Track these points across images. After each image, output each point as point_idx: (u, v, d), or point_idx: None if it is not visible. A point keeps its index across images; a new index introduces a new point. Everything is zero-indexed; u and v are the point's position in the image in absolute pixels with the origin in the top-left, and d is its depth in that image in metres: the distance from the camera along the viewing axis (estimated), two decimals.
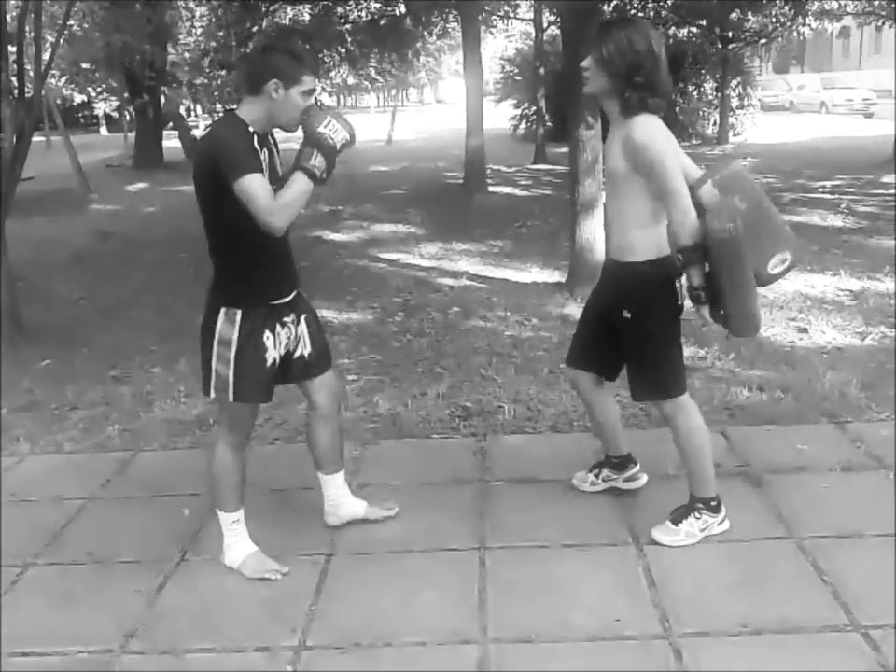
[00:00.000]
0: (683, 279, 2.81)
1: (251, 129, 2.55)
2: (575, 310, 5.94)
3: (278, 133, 2.76)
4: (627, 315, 2.83)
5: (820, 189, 11.34)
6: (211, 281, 2.73)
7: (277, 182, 2.59)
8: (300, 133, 2.60)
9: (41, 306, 6.59)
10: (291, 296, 2.80)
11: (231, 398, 2.70)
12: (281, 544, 3.05)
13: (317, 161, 2.49)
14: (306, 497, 3.28)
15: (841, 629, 2.47)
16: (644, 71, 2.60)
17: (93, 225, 10.60)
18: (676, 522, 2.96)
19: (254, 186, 2.43)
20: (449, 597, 2.71)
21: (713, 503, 2.96)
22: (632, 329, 2.85)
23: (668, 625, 2.53)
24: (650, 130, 2.64)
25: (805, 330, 5.25)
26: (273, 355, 2.72)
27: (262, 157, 2.58)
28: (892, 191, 10.95)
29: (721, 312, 2.74)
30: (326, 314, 6.15)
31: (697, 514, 2.94)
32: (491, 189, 12.55)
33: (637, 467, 3.31)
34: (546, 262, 7.50)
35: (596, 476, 3.33)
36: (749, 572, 2.77)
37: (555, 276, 6.99)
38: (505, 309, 6.04)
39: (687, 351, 4.82)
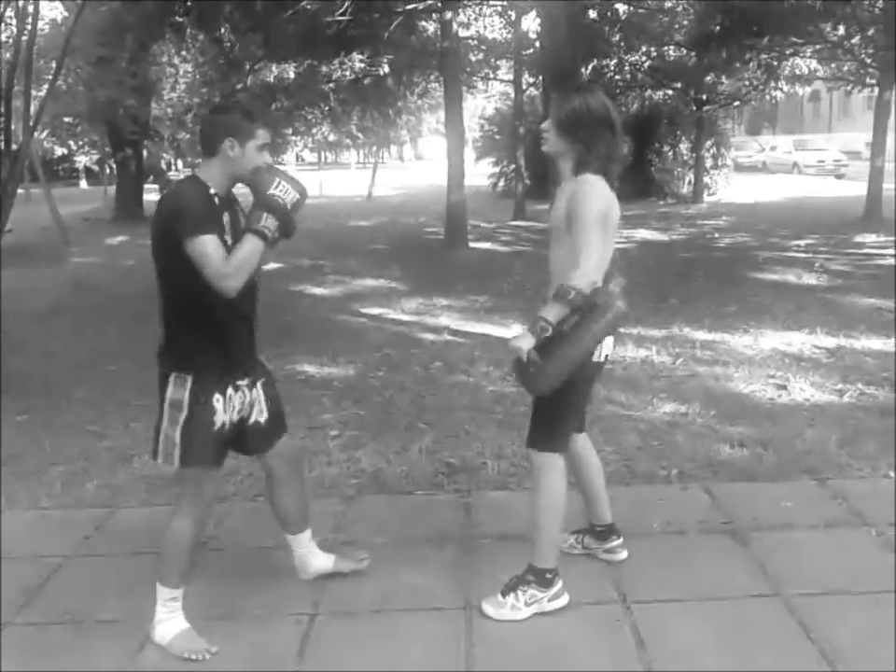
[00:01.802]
0: (608, 339, 2.81)
1: (212, 191, 2.57)
2: None
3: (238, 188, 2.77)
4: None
5: (795, 248, 11.56)
6: (160, 343, 2.68)
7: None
8: None
9: (19, 358, 6.53)
10: (246, 360, 2.75)
11: (176, 461, 2.63)
12: (264, 603, 3.00)
13: (268, 223, 2.50)
14: (288, 554, 3.23)
15: None
16: (600, 135, 2.71)
17: (72, 277, 10.58)
18: (504, 593, 2.88)
19: (207, 247, 2.44)
20: (436, 658, 2.67)
21: (547, 576, 2.87)
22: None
23: None
24: (593, 188, 2.70)
25: (784, 387, 5.30)
26: (221, 418, 2.64)
27: (225, 219, 2.58)
28: (865, 250, 11.18)
29: (541, 360, 2.65)
30: (307, 368, 6.15)
31: (524, 587, 2.86)
32: (472, 244, 12.68)
33: (620, 540, 3.22)
34: (527, 318, 7.52)
35: (577, 541, 3.28)
36: (737, 630, 2.76)
37: None
38: (487, 364, 6.06)
39: (668, 407, 4.91)
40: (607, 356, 2.86)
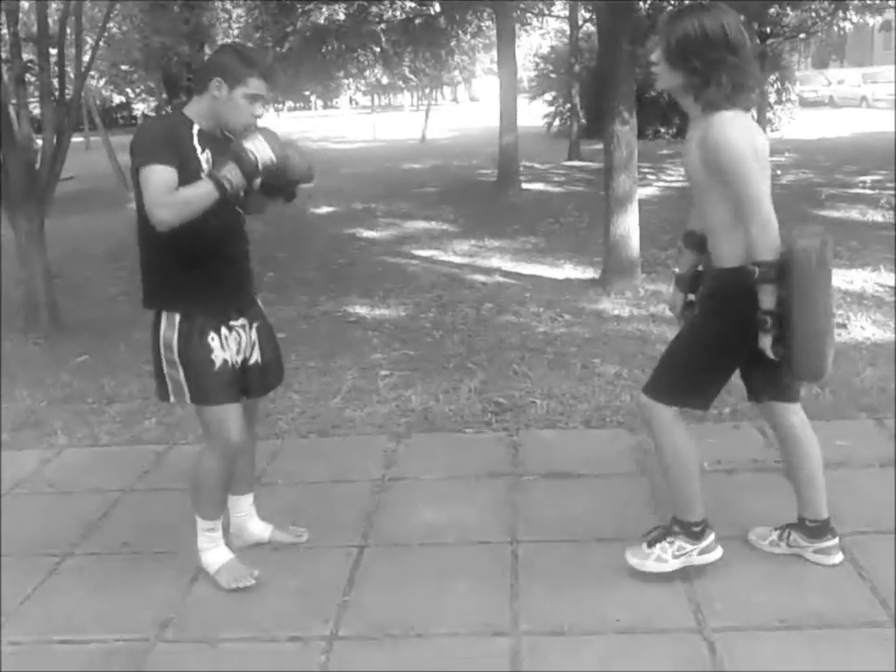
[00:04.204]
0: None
1: (196, 127, 2.49)
2: (608, 305, 5.91)
3: None
4: (696, 311, 2.64)
5: (860, 185, 11.14)
6: (143, 284, 2.66)
7: None
8: None
9: (79, 302, 6.71)
10: (238, 301, 2.70)
11: (188, 399, 2.62)
12: (314, 535, 3.07)
13: (230, 174, 2.36)
14: (339, 489, 3.30)
15: (880, 625, 2.43)
16: (723, 62, 2.33)
17: (131, 223, 10.72)
18: (650, 543, 2.70)
19: (152, 175, 2.36)
20: (481, 590, 2.70)
21: (694, 529, 2.65)
22: (689, 324, 2.67)
23: (702, 619, 2.50)
24: (728, 128, 2.36)
25: (843, 326, 5.15)
26: (221, 356, 2.60)
27: (204, 156, 2.48)
28: None
29: (785, 346, 2.41)
30: (359, 309, 6.19)
31: (671, 538, 2.67)
32: (524, 185, 12.51)
33: (836, 541, 2.73)
34: (579, 259, 7.46)
35: (781, 538, 2.81)
36: (787, 567, 2.73)
37: (589, 272, 6.95)
38: (538, 305, 6.02)
39: None
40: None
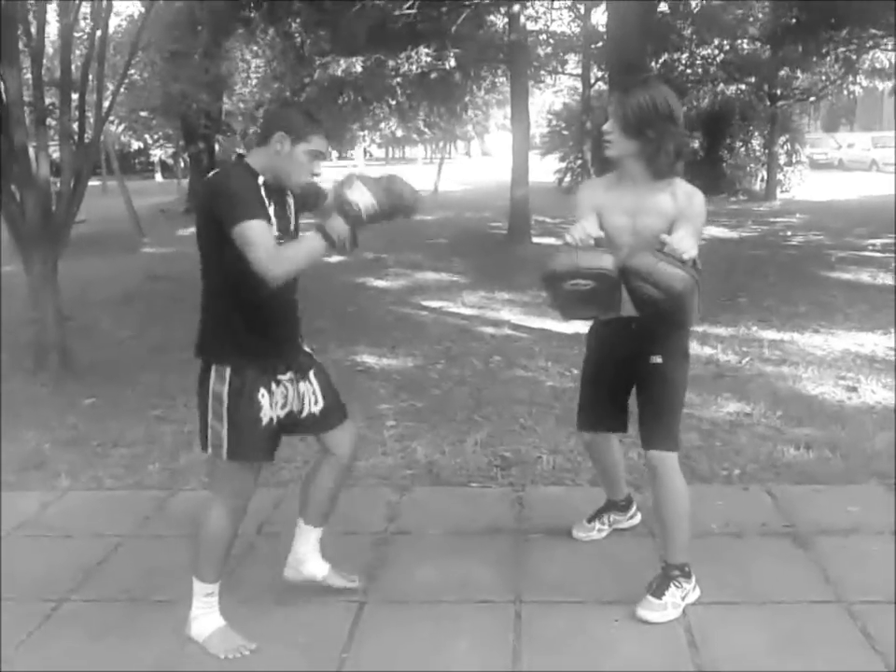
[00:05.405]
0: None
1: (262, 179, 2.48)
2: None
3: None
4: (658, 360, 2.78)
5: (870, 248, 11.19)
6: (199, 334, 2.61)
7: (288, 237, 2.53)
8: None
9: (89, 344, 6.73)
10: (287, 356, 2.68)
11: (224, 456, 2.57)
12: (315, 588, 3.01)
13: (338, 227, 2.37)
14: (342, 541, 3.25)
15: None
16: (668, 132, 2.63)
17: (144, 267, 10.84)
18: (659, 595, 2.78)
19: (253, 231, 2.33)
20: (483, 649, 2.65)
21: (686, 569, 2.85)
22: (660, 375, 2.79)
23: None
24: (699, 192, 2.74)
25: (854, 389, 5.13)
26: (269, 414, 2.58)
27: (271, 209, 2.48)
28: None
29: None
30: (367, 359, 6.19)
31: (677, 583, 2.80)
32: (535, 239, 12.59)
33: (635, 506, 3.42)
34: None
35: (603, 522, 3.37)
36: (796, 636, 2.67)
37: None
38: (546, 359, 6.00)
39: (732, 407, 4.80)
40: None
